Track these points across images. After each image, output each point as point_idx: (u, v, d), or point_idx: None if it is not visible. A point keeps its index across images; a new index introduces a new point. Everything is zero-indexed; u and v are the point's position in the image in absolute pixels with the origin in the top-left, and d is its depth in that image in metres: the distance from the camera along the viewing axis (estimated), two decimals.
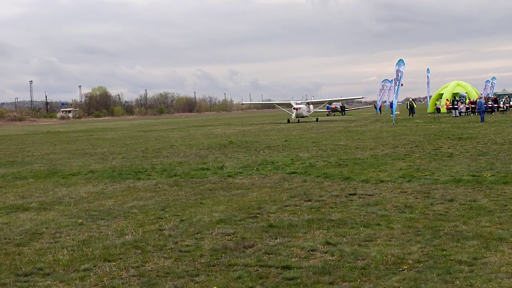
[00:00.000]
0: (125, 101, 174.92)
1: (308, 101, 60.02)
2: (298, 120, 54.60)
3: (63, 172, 18.41)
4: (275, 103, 69.35)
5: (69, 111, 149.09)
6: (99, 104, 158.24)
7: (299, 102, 58.11)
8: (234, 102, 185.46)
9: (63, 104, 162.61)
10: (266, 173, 16.08)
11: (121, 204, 11.89)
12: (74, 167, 19.72)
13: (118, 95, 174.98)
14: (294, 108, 54.61)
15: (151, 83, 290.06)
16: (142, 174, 17.05)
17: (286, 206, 10.89)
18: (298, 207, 10.69)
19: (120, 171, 17.82)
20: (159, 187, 14.18)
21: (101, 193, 13.63)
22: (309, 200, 11.38)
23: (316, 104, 60.81)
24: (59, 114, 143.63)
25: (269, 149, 23.85)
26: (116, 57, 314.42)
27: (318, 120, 56.72)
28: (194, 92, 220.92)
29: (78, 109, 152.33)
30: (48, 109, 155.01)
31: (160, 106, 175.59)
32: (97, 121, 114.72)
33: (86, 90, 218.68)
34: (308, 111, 57.17)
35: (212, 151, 24.06)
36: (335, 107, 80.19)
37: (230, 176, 15.74)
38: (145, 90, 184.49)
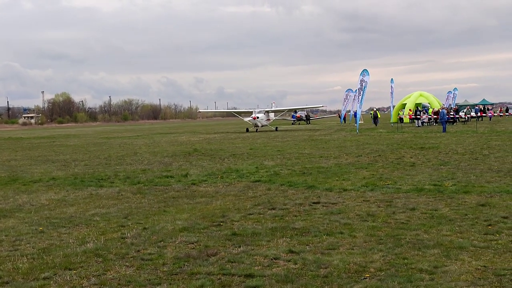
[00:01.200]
0: (88, 108, 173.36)
1: (267, 109, 58.23)
2: (257, 129, 53.49)
3: (24, 179, 18.10)
4: (233, 112, 68.54)
5: (32, 117, 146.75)
6: (62, 110, 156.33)
7: (257, 110, 56.45)
8: (200, 110, 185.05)
9: (25, 110, 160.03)
10: (230, 181, 16.07)
11: (83, 212, 11.74)
12: (35, 174, 19.41)
13: (82, 101, 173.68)
14: (251, 117, 53.11)
15: (115, 90, 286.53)
16: (105, 181, 16.88)
17: (250, 214, 10.88)
18: (262, 216, 10.70)
19: (82, 178, 17.61)
20: (122, 195, 14.05)
21: (63, 200, 13.45)
22: (273, 209, 11.40)
23: (276, 112, 59.59)
24: (21, 120, 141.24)
25: (234, 157, 23.85)
26: (80, 63, 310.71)
27: (278, 129, 55.66)
28: (159, 99, 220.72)
29: (40, 115, 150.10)
30: (10, 115, 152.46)
31: (124, 113, 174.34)
32: (60, 128, 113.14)
33: (49, 96, 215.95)
34: (268, 120, 55.75)
35: (177, 159, 23.95)
36: (300, 116, 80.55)
37: (194, 184, 15.68)
38: (109, 96, 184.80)
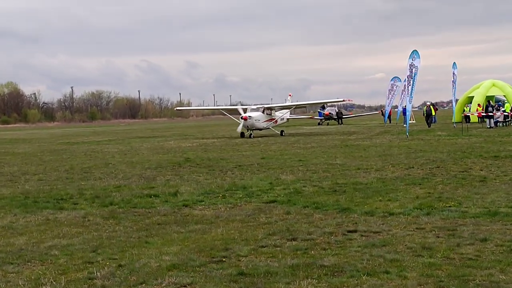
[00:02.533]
0: (43, 103, 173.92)
1: (266, 105, 56.35)
2: (251, 134, 50.53)
3: None
4: (222, 109, 67.33)
5: None
6: (8, 106, 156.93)
7: (253, 107, 55.02)
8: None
9: None
10: (235, 201, 16.05)
11: (36, 244, 11.73)
12: None
13: (34, 94, 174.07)
14: (242, 118, 51.01)
15: (79, 78, 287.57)
16: (66, 202, 16.88)
17: (262, 246, 10.85)
18: (278, 249, 10.65)
19: (35, 198, 17.62)
20: (89, 220, 14.04)
21: (9, 227, 13.44)
22: (294, 239, 11.36)
23: (279, 109, 56.66)
24: None
25: (240, 170, 23.84)
26: (32, 43, 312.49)
27: (284, 134, 52.45)
28: (138, 91, 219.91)
29: None
30: None
31: (92, 110, 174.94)
32: (4, 129, 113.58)
33: None
34: (270, 120, 53.51)
35: (163, 172, 23.97)
36: (330, 113, 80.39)
37: (186, 205, 15.68)
38: (71, 87, 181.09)
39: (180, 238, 11.88)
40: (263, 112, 53.15)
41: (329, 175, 21.20)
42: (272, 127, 54.19)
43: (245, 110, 54.09)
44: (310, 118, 79.69)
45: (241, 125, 50.96)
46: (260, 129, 53.07)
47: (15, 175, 24.67)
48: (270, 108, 55.02)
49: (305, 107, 67.12)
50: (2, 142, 56.71)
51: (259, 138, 48.02)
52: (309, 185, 18.74)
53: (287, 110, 57.48)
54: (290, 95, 66.85)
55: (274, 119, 54.59)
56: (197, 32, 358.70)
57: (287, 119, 59.45)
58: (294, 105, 60.29)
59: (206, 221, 13.57)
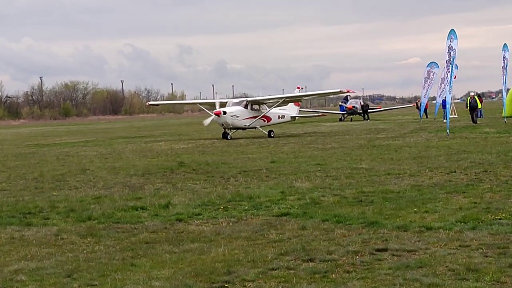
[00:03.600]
0: (6, 97, 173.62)
1: (248, 99, 54.81)
2: (228, 134, 49.53)
3: None
4: (199, 102, 63.95)
5: None
6: None
7: (237, 101, 53.32)
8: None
9: None
10: (240, 214, 16.07)
11: None
12: None
13: None
14: (214, 113, 49.68)
15: (50, 67, 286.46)
16: (35, 216, 16.89)
17: (272, 269, 10.85)
18: (292, 272, 10.65)
19: None
20: (62, 239, 14.05)
21: None
22: (311, 260, 11.36)
23: (275, 103, 53.15)
24: None
25: (245, 176, 23.91)
26: None
27: (273, 135, 50.12)
28: (121, 82, 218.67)
29: None
30: None
31: (65, 105, 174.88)
32: None
33: None
34: (251, 118, 51.08)
35: (151, 179, 24.03)
36: (353, 107, 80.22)
37: (180, 219, 15.70)
38: (40, 78, 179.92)
39: (173, 259, 11.87)
40: (245, 106, 51.16)
41: (353, 181, 21.22)
42: (260, 126, 52.15)
43: (224, 104, 52.20)
44: (321, 116, 77.68)
45: (209, 119, 49.95)
46: (241, 128, 51.44)
47: None
48: (258, 102, 52.85)
49: (300, 100, 59.48)
50: None
51: (266, 140, 47.96)
52: (329, 194, 18.76)
53: (293, 104, 56.56)
54: (298, 88, 64.55)
55: (266, 115, 52.40)
56: (192, 9, 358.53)
57: (293, 117, 57.61)
58: (283, 97, 55.48)
59: (204, 238, 13.56)
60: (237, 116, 50.09)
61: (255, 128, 52.22)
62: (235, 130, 50.91)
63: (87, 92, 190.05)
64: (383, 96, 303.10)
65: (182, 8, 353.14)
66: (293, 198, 18.16)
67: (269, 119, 52.92)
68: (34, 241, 13.96)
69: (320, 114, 77.24)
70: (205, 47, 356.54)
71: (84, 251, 12.80)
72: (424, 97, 75.18)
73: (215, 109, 50.35)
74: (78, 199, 19.55)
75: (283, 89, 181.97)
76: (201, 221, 15.55)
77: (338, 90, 55.34)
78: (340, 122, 77.32)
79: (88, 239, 13.90)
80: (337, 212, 15.69)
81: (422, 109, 75.36)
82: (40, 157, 37.17)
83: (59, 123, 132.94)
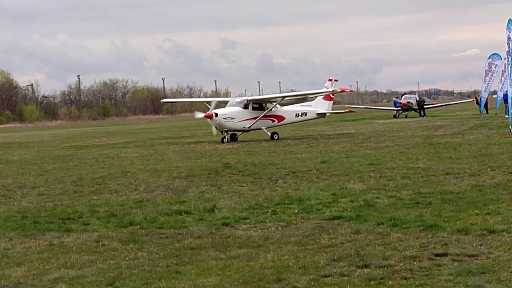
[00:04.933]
0: (42, 96, 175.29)
1: (249, 98, 51.99)
2: (224, 137, 47.77)
3: None
4: (205, 101, 60.53)
5: None
6: None
7: (238, 100, 50.75)
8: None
9: None
10: (289, 218, 16.04)
11: (38, 276, 11.76)
12: None
13: (31, 85, 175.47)
14: (205, 116, 48.51)
15: (86, 64, 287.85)
16: (74, 222, 16.99)
17: (325, 276, 10.81)
18: (346, 279, 10.61)
19: (35, 218, 17.74)
20: (103, 245, 14.08)
21: (4, 256, 13.52)
22: (366, 266, 11.32)
23: (295, 101, 52.04)
24: None
25: (294, 177, 23.90)
26: (26, 20, 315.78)
27: (277, 137, 48.26)
28: (162, 79, 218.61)
29: None
30: None
31: (104, 104, 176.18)
32: None
33: None
34: (251, 119, 48.53)
35: (195, 182, 24.09)
36: (408, 102, 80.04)
37: (226, 224, 15.70)
38: (78, 76, 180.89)
39: (219, 266, 11.86)
40: (245, 107, 48.83)
41: (409, 182, 21.15)
42: (268, 127, 49.75)
43: (222, 105, 51.00)
44: (349, 112, 73.87)
45: (201, 114, 49.16)
46: (240, 131, 49.24)
47: (10, 188, 24.93)
48: (262, 101, 50.75)
49: (306, 97, 55.19)
50: None
51: (319, 137, 47.93)
52: (384, 195, 18.70)
53: (316, 101, 53.48)
54: (330, 80, 58.16)
55: (277, 115, 50.29)
56: (235, 2, 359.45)
57: (321, 113, 54.81)
58: (281, 96, 53.17)
59: (252, 244, 13.55)
60: (232, 118, 47.78)
61: (260, 129, 49.76)
62: (241, 132, 49.40)
63: (127, 91, 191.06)
64: (440, 90, 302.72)
65: (225, 1, 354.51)
66: (346, 201, 18.12)
67: (281, 118, 50.73)
68: (74, 247, 14.02)
69: (347, 110, 73.83)
70: (249, 41, 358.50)
71: (126, 258, 12.83)
72: (485, 91, 74.25)
73: (208, 111, 48.14)
74: (119, 203, 19.66)
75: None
76: (248, 225, 15.56)
77: (331, 90, 53.15)
78: (394, 119, 77.26)
79: (130, 246, 13.93)
80: (392, 215, 15.65)
81: (482, 104, 74.73)
82: (78, 160, 37.52)
83: (97, 124, 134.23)
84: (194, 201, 19.31)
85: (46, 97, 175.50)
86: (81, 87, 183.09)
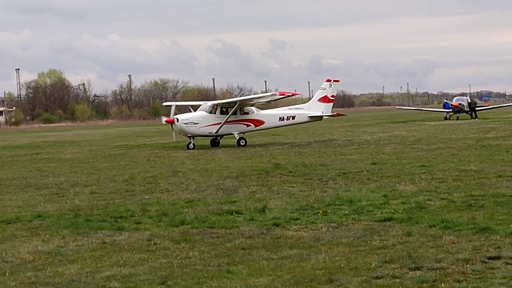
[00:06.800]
0: (94, 96, 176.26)
1: (215, 102, 50.45)
2: (189, 143, 45.69)
3: None
4: (189, 104, 54.01)
5: (0, 113, 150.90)
6: (51, 101, 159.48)
7: (210, 104, 48.42)
8: (165, 103, 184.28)
9: None
10: (340, 219, 16.09)
11: (91, 273, 11.95)
12: (9, 209, 19.94)
13: (83, 84, 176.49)
14: (165, 121, 48.00)
15: (137, 64, 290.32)
16: (126, 221, 17.18)
17: (377, 278, 10.87)
18: (398, 281, 10.66)
19: (88, 216, 17.95)
20: (155, 244, 14.25)
21: (57, 253, 13.71)
22: (418, 268, 11.35)
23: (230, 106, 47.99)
24: None
25: (345, 178, 23.92)
26: (78, 20, 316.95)
27: (244, 144, 46.23)
28: (213, 79, 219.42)
29: (14, 108, 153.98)
30: None
31: (155, 104, 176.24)
32: (47, 129, 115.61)
33: (28, 77, 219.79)
34: (218, 124, 46.30)
35: (246, 182, 24.23)
36: (459, 104, 79.45)
37: (277, 224, 15.78)
38: (129, 76, 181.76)
39: (271, 266, 11.95)
40: (211, 111, 46.97)
41: (461, 184, 21.06)
42: (240, 132, 47.69)
43: (194, 108, 49.25)
44: (337, 115, 68.14)
45: (173, 132, 47.15)
46: (205, 136, 47.30)
47: (62, 187, 25.21)
48: (244, 103, 48.57)
49: (275, 101, 52.14)
50: (45, 145, 57.80)
51: (368, 137, 47.73)
52: (436, 198, 18.66)
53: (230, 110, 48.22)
54: (328, 81, 53.40)
55: (255, 119, 48.30)
56: (285, 2, 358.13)
57: (314, 116, 51.40)
58: (238, 100, 49.83)
59: (303, 244, 13.62)
60: (195, 123, 45.88)
61: (232, 134, 47.48)
62: (220, 137, 48.05)
63: (177, 91, 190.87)
64: (491, 92, 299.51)
65: (274, 1, 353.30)
66: (397, 202, 18.12)
67: (259, 122, 48.70)
68: (126, 246, 14.22)
69: (335, 114, 68.19)
70: (299, 42, 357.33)
71: (178, 257, 12.98)
72: None
73: (169, 116, 46.90)
74: (170, 203, 19.81)
75: (383, 86, 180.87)
76: (299, 226, 15.61)
77: (271, 93, 52.74)
78: (445, 121, 76.67)
79: (182, 245, 14.08)
80: (444, 217, 15.60)
81: None
82: (130, 159, 37.79)
83: (148, 123, 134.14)
84: (244, 201, 19.43)
85: (97, 96, 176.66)
86: (132, 87, 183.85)
